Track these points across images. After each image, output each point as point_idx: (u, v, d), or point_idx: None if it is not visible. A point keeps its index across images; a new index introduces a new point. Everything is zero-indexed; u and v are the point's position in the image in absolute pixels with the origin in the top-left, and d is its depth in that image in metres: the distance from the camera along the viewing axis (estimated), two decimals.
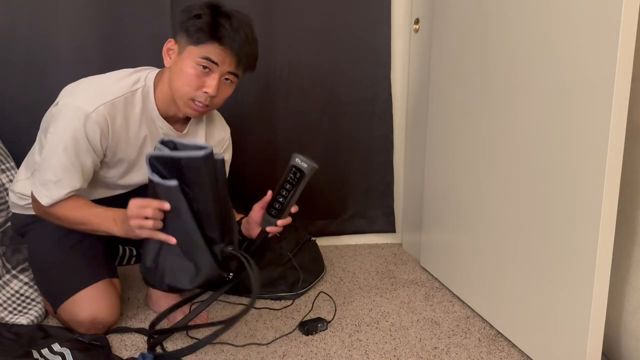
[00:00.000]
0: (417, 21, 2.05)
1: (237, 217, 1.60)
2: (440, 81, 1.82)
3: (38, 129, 1.51)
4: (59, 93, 1.45)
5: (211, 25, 1.34)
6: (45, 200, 1.38)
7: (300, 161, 1.33)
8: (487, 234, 1.58)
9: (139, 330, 1.52)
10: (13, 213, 1.58)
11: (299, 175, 1.34)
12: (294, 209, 1.40)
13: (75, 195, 1.40)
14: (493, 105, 1.52)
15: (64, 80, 1.44)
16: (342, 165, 2.19)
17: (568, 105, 1.25)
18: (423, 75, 2.00)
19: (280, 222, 1.40)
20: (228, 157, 1.65)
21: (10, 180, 1.68)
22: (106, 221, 1.36)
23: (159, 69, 1.47)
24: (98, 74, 1.48)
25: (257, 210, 1.44)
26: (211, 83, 1.37)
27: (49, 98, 1.41)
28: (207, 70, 1.36)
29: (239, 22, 1.36)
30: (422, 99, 2.01)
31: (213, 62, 1.35)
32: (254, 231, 1.46)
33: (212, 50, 1.35)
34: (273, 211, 1.40)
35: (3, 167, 1.69)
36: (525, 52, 1.38)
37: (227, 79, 1.40)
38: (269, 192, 1.41)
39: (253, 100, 2.04)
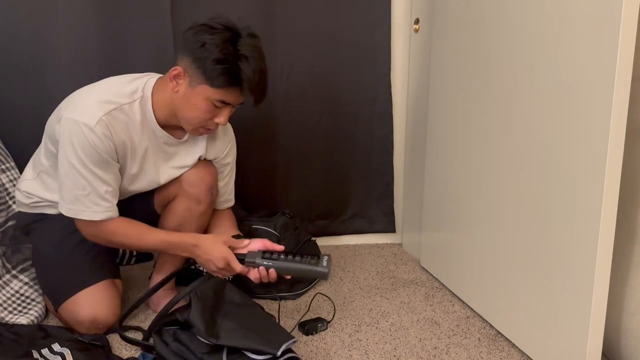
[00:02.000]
0: (417, 21, 2.05)
1: (234, 231, 1.61)
2: (440, 81, 1.82)
3: (38, 129, 1.51)
4: (58, 94, 1.45)
5: (232, 74, 1.33)
6: (85, 214, 1.38)
7: (326, 261, 1.39)
8: (488, 234, 1.58)
9: (139, 330, 1.53)
10: (18, 211, 1.59)
11: (314, 268, 1.39)
12: (287, 276, 1.46)
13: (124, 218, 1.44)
14: (493, 105, 1.52)
15: (64, 81, 1.43)
16: (342, 165, 2.19)
17: (568, 105, 1.25)
18: (423, 75, 2.00)
19: (262, 272, 1.42)
20: (231, 159, 1.65)
21: (10, 180, 1.69)
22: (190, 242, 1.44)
23: (158, 76, 1.46)
24: (98, 74, 1.47)
25: (258, 244, 1.47)
26: (224, 114, 1.39)
27: (49, 99, 1.41)
28: (219, 107, 1.38)
29: (256, 63, 1.34)
30: (422, 99, 2.01)
31: (228, 103, 1.38)
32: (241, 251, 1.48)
33: (229, 94, 1.35)
34: (267, 259, 1.43)
35: (3, 167, 1.69)
36: (525, 52, 1.38)
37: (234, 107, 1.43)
38: (282, 247, 1.46)
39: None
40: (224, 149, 1.60)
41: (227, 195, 1.68)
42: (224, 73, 1.32)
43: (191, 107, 1.38)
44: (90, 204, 1.37)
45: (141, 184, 1.50)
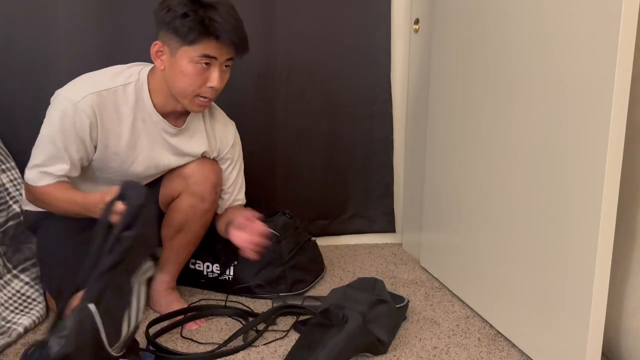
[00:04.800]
0: (417, 21, 2.05)
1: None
2: (440, 81, 1.82)
3: (38, 129, 1.51)
4: None
5: (202, 23, 1.32)
6: (32, 183, 1.41)
7: None
8: (487, 233, 1.58)
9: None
10: (25, 210, 1.60)
11: None
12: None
13: (63, 182, 1.42)
14: (493, 105, 1.53)
15: (64, 81, 1.44)
16: (342, 166, 2.19)
17: (568, 105, 1.25)
18: (423, 75, 2.00)
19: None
20: (235, 154, 1.65)
21: (11, 180, 1.69)
22: (92, 200, 1.34)
23: (152, 65, 1.47)
24: None
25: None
26: (214, 76, 1.38)
27: (49, 99, 1.42)
28: (207, 65, 1.37)
29: (225, 10, 1.35)
30: (422, 99, 2.02)
31: (212, 57, 1.36)
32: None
33: (208, 46, 1.35)
34: None
35: (3, 167, 1.69)
36: (525, 52, 1.39)
37: (225, 65, 1.42)
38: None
39: (253, 101, 2.04)
40: (227, 142, 1.60)
41: (236, 195, 1.67)
42: (194, 25, 1.32)
43: (180, 76, 1.37)
44: (40, 176, 1.40)
45: (139, 168, 1.50)
